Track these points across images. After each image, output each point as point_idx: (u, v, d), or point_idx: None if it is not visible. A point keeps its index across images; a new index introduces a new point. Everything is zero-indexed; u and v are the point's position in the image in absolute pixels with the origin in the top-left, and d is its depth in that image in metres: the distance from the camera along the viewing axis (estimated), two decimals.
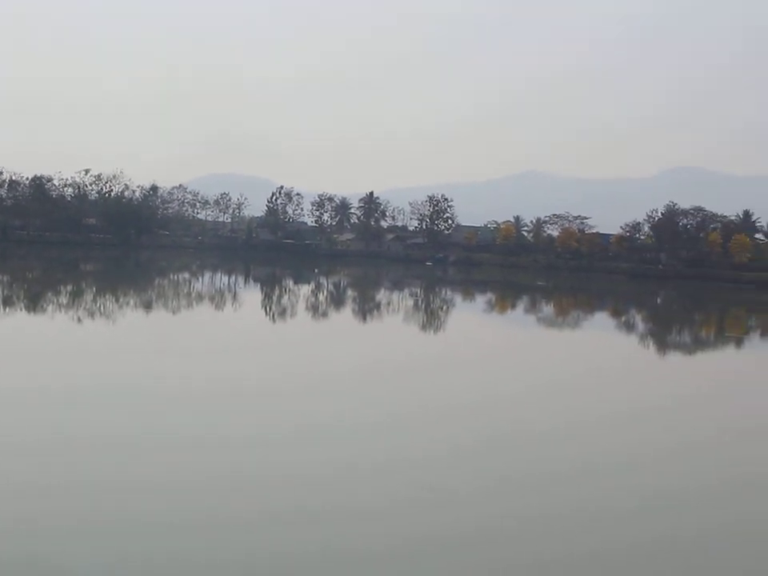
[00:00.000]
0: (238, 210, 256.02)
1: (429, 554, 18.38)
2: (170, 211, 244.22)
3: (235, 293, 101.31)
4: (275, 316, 74.37)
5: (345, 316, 79.22)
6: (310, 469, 24.04)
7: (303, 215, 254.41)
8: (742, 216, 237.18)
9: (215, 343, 51.80)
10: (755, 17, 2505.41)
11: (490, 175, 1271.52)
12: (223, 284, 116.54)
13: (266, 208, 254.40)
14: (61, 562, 16.83)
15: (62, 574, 16.43)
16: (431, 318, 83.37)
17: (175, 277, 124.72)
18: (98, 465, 23.18)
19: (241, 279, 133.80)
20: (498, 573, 17.82)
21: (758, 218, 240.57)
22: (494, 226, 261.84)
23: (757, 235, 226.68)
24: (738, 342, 74.52)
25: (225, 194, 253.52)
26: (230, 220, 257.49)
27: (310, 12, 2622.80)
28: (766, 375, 55.69)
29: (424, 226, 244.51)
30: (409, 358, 49.63)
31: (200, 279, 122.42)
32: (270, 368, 42.05)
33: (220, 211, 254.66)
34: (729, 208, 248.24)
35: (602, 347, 65.96)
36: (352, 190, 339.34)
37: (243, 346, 51.90)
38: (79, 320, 58.74)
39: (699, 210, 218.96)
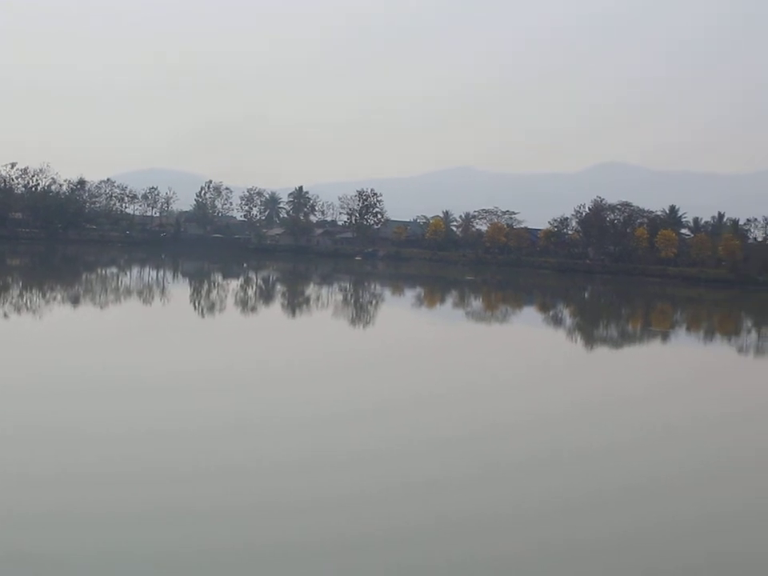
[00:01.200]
0: (166, 205, 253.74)
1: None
2: (98, 205, 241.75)
3: (163, 288, 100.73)
4: (204, 311, 74.09)
5: (274, 311, 79.09)
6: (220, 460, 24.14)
7: (232, 210, 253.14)
8: (668, 211, 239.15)
9: (138, 340, 51.53)
10: (688, 25, 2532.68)
11: (419, 170, 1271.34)
12: (151, 279, 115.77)
13: (195, 202, 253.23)
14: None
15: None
16: (361, 313, 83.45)
17: (103, 272, 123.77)
18: None
19: (169, 274, 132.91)
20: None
21: (683, 214, 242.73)
22: (424, 220, 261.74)
23: (682, 230, 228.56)
24: (664, 337, 75.42)
25: (153, 188, 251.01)
26: (158, 214, 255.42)
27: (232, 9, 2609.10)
28: (691, 371, 56.29)
29: (353, 221, 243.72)
30: (335, 356, 49.62)
31: (128, 274, 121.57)
32: (196, 364, 41.88)
33: (148, 205, 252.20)
34: (655, 203, 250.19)
35: (532, 342, 66.40)
36: (281, 184, 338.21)
37: (167, 341, 51.67)
38: (5, 315, 58.24)
39: (626, 205, 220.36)
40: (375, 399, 35.34)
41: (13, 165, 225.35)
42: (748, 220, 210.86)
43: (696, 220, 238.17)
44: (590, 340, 70.68)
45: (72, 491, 21.31)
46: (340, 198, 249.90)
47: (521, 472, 25.57)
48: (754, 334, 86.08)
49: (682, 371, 54.09)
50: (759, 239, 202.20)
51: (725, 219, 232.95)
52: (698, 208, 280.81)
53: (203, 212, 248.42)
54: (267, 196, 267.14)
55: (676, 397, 41.83)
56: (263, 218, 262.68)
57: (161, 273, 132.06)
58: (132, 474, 22.72)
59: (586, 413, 35.68)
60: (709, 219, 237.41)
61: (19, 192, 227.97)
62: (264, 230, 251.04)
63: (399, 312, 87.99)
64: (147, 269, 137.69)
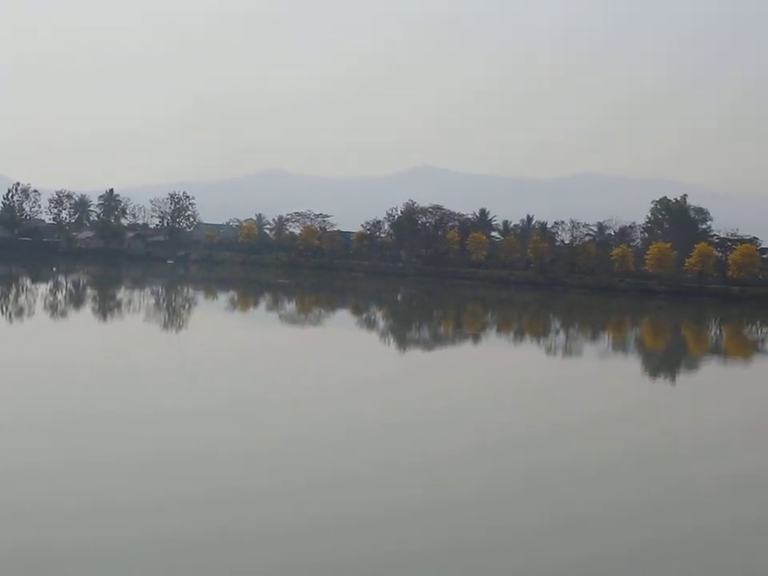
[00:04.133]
0: None
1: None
2: None
3: None
4: (11, 316, 72.44)
5: (84, 315, 77.76)
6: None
7: (41, 213, 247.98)
8: (478, 214, 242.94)
9: None
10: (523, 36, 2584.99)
11: (233, 173, 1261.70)
12: None
13: (1, 205, 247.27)
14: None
15: None
16: (173, 317, 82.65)
17: None
18: None
19: None
20: None
21: (493, 217, 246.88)
22: (237, 224, 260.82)
23: (493, 233, 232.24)
24: (476, 339, 76.55)
25: None
26: None
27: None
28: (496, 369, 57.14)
29: (165, 224, 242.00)
30: (140, 360, 48.94)
31: None
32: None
33: None
34: (466, 206, 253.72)
35: (347, 344, 66.69)
36: (91, 187, 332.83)
37: None
38: None
39: (438, 208, 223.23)
40: (198, 402, 35.05)
41: None
42: (555, 223, 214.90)
43: (506, 223, 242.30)
44: (403, 343, 71.24)
45: None
46: (152, 201, 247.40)
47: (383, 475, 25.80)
48: (562, 335, 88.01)
49: (504, 373, 54.72)
50: (566, 242, 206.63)
51: (533, 222, 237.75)
52: (508, 211, 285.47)
53: (10, 215, 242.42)
54: (77, 199, 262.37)
55: (506, 400, 42.21)
56: (73, 221, 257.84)
57: None
58: None
59: (419, 419, 35.59)
60: (518, 222, 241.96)
61: None
62: (74, 234, 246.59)
63: (212, 316, 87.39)
64: None
